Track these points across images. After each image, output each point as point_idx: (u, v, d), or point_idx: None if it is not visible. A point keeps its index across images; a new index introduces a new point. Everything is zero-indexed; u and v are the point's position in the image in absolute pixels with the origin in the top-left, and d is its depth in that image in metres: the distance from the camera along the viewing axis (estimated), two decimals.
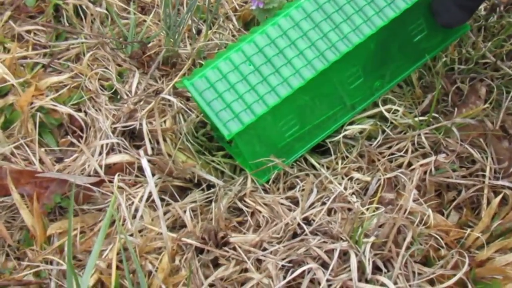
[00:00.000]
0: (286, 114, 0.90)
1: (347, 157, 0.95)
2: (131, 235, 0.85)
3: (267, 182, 0.92)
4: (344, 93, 0.94)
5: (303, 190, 0.88)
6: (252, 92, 0.86)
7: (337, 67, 0.89)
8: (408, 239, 0.82)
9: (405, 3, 0.89)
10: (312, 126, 0.93)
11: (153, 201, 0.86)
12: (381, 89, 0.97)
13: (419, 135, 0.95)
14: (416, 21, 0.95)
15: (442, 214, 0.92)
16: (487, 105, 0.98)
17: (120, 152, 0.94)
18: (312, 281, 0.79)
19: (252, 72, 0.86)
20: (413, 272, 0.81)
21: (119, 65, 1.06)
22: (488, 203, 0.91)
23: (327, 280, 0.77)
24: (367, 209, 0.86)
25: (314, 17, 0.88)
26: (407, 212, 0.85)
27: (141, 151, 0.88)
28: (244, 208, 0.88)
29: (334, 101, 0.94)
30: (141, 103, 0.98)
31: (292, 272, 0.78)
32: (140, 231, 0.86)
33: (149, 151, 0.92)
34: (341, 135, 0.95)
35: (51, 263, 0.84)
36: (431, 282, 0.82)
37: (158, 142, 0.93)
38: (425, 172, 0.92)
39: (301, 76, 0.86)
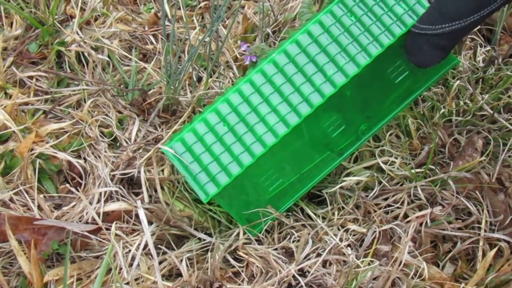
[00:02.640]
0: (266, 170, 0.92)
1: (343, 208, 0.95)
2: (128, 283, 0.85)
3: (260, 232, 0.93)
4: (327, 141, 0.94)
5: (298, 241, 0.89)
6: (227, 153, 0.86)
7: (312, 119, 0.88)
8: None
9: (377, 49, 0.87)
10: (299, 175, 0.94)
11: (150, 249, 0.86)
12: (368, 132, 0.96)
13: (415, 187, 0.95)
14: (393, 63, 0.94)
15: (438, 266, 0.92)
16: (483, 157, 0.99)
17: (118, 200, 0.95)
18: None
19: (227, 132, 0.86)
20: None
21: (120, 112, 1.07)
22: (484, 255, 0.91)
23: None
24: (362, 261, 0.87)
25: (286, 70, 0.87)
26: (401, 265, 0.85)
27: (138, 201, 0.89)
28: (236, 264, 0.88)
29: (318, 150, 0.94)
30: (140, 151, 0.99)
31: None
32: (136, 280, 0.87)
33: (147, 199, 0.93)
34: (337, 186, 0.96)
35: None
36: None
37: (156, 190, 0.94)
38: (420, 224, 0.92)
39: (274, 133, 0.85)
